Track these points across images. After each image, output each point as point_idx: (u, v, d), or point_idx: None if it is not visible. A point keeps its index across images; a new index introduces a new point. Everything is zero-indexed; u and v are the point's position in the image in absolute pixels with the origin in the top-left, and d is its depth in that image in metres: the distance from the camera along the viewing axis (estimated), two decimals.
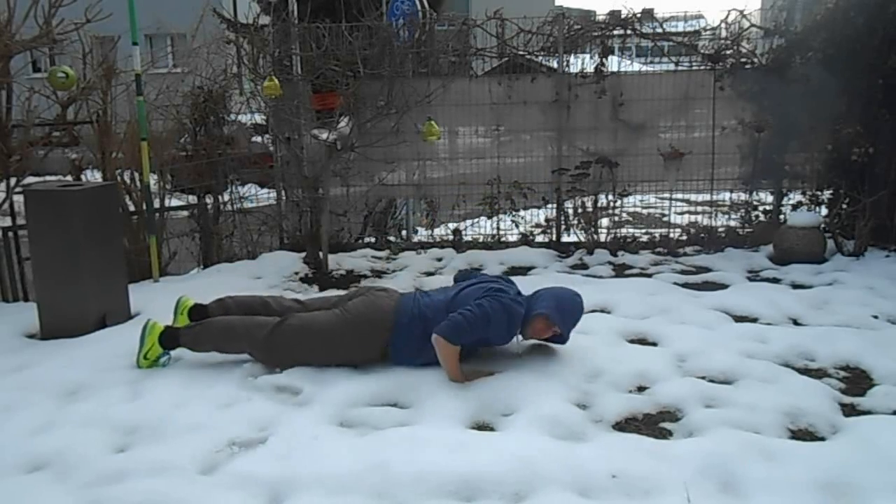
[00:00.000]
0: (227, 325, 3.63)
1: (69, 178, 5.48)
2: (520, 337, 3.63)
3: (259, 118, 6.93)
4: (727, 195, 6.50)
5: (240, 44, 6.25)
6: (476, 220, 6.69)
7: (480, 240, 6.55)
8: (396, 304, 3.58)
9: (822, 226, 5.82)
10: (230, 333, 3.60)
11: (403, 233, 7.00)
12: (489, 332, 3.44)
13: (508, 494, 2.51)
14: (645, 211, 8.20)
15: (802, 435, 2.94)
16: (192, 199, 6.11)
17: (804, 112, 5.88)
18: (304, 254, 5.95)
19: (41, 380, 3.48)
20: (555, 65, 6.35)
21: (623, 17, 6.29)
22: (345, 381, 3.38)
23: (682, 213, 7.14)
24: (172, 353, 3.70)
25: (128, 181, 5.61)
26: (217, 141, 6.14)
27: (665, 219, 7.27)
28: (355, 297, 3.68)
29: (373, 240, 6.72)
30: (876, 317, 4.34)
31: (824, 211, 6.09)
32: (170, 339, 3.64)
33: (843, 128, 5.63)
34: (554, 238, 6.50)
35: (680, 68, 6.29)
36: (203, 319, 3.73)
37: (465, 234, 6.61)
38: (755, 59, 6.15)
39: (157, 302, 4.50)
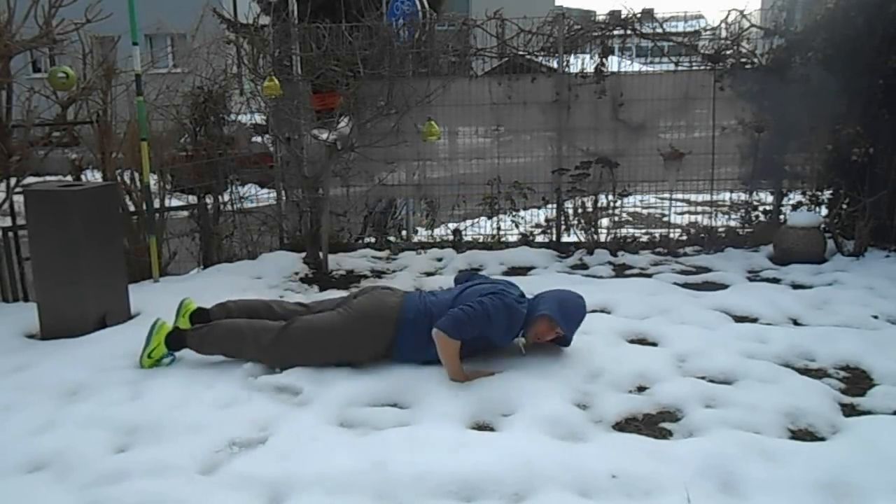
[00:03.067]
0: (234, 329, 3.62)
1: (69, 178, 5.48)
2: (522, 339, 3.63)
3: (259, 118, 6.93)
4: (727, 195, 6.50)
5: (240, 44, 6.24)
6: (476, 220, 6.69)
7: (480, 240, 6.55)
8: (402, 301, 3.59)
9: (822, 226, 5.82)
10: (237, 337, 3.59)
11: (403, 233, 7.00)
12: (490, 329, 3.45)
13: (508, 494, 2.51)
14: (645, 211, 8.20)
15: (802, 435, 2.94)
16: (192, 199, 6.11)
17: (804, 112, 5.88)
18: (304, 254, 5.96)
19: (41, 380, 3.48)
20: (555, 65, 6.35)
21: (623, 17, 6.29)
22: (345, 381, 3.38)
23: (682, 213, 7.14)
24: (176, 353, 3.70)
25: (128, 181, 5.61)
26: (217, 141, 6.14)
27: (665, 219, 7.27)
28: (360, 296, 3.70)
29: (373, 240, 6.72)
30: (876, 317, 4.34)
31: (824, 211, 6.09)
32: (176, 340, 3.64)
33: (843, 128, 5.63)
34: (554, 238, 6.50)
35: (680, 68, 6.29)
36: (206, 323, 3.74)
37: (465, 234, 6.61)
38: (755, 60, 6.15)
39: (157, 302, 4.49)
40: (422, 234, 6.80)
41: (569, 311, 3.58)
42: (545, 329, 3.56)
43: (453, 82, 6.25)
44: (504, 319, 3.45)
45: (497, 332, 3.50)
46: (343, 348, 3.54)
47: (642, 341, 4.01)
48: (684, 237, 6.42)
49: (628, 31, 6.33)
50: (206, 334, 3.65)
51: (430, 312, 3.49)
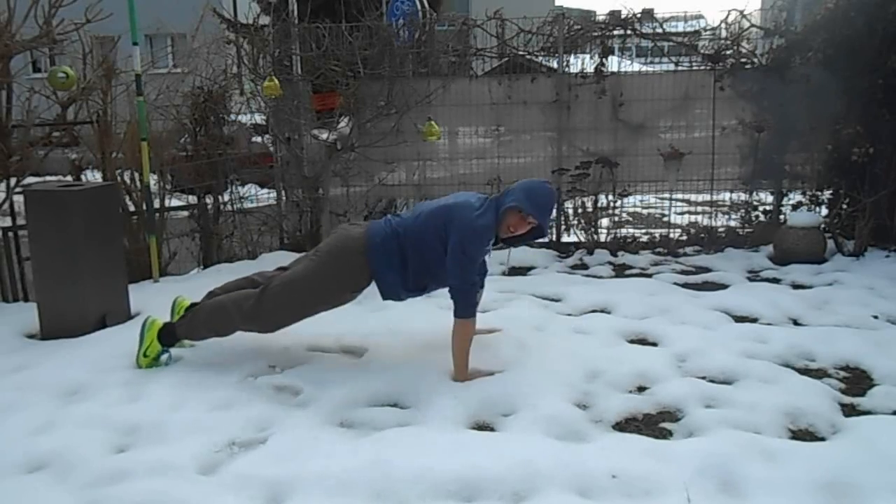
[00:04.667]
0: (216, 305, 3.63)
1: (69, 178, 5.48)
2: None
3: (259, 118, 6.93)
4: (727, 195, 6.50)
5: (240, 44, 6.25)
6: None
7: None
8: (366, 229, 3.60)
9: (822, 226, 5.82)
10: (221, 312, 3.59)
11: None
12: (478, 262, 3.49)
13: (508, 494, 2.51)
14: (645, 211, 8.20)
15: (802, 435, 2.94)
16: (192, 199, 6.11)
17: (804, 112, 5.88)
18: (304, 254, 5.95)
19: (41, 380, 3.48)
20: (555, 65, 6.35)
21: (623, 17, 6.30)
22: (345, 381, 3.38)
23: (682, 213, 7.14)
24: (173, 353, 3.69)
25: (128, 181, 5.61)
26: (217, 141, 6.14)
27: (665, 219, 7.26)
28: (326, 239, 3.71)
29: None
30: (876, 317, 4.34)
31: (824, 211, 6.10)
32: (168, 334, 3.64)
33: (843, 128, 5.63)
34: (554, 238, 6.50)
35: (680, 68, 6.30)
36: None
37: None
38: (755, 60, 6.15)
39: (157, 302, 4.48)
40: None
41: (537, 198, 3.47)
42: (516, 221, 3.47)
43: (453, 82, 6.25)
44: (485, 244, 3.46)
45: (482, 254, 3.52)
46: (323, 291, 3.53)
47: (642, 341, 4.01)
48: (684, 237, 6.42)
49: (628, 31, 6.33)
50: (192, 319, 3.64)
51: (397, 233, 3.51)
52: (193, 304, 3.83)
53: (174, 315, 3.82)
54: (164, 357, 3.66)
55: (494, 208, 3.48)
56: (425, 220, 3.50)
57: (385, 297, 3.60)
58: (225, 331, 3.64)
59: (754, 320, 4.36)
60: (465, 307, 3.42)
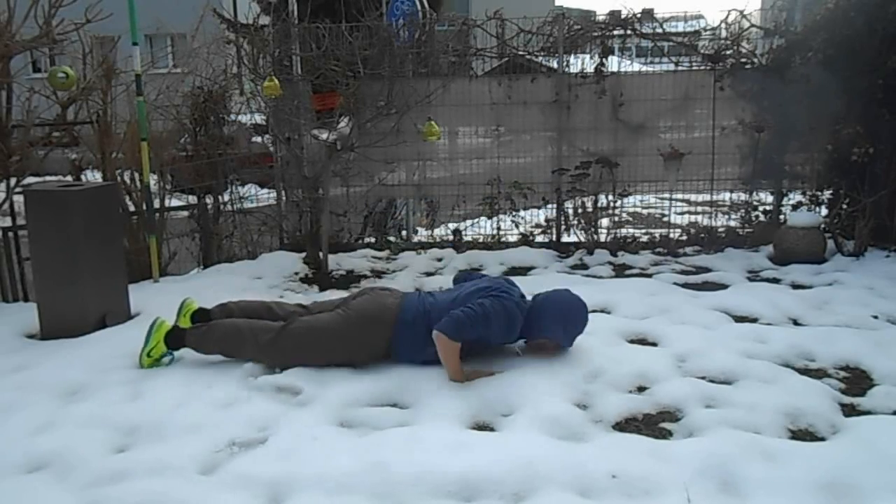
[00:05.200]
0: (233, 328, 3.63)
1: (69, 178, 5.48)
2: (522, 343, 3.67)
3: (259, 118, 6.93)
4: (727, 195, 6.50)
5: (240, 44, 6.25)
6: (476, 220, 6.70)
7: (480, 240, 6.55)
8: (400, 302, 3.60)
9: (822, 226, 5.82)
10: (236, 336, 3.60)
11: (403, 233, 7.00)
12: (489, 330, 3.45)
13: (508, 494, 2.51)
14: (645, 211, 8.20)
15: (802, 435, 2.94)
16: (192, 199, 6.11)
17: (804, 112, 5.89)
18: (304, 254, 5.96)
19: (41, 380, 3.48)
20: (555, 65, 6.35)
21: (623, 17, 6.30)
22: (345, 381, 3.38)
23: (682, 213, 7.14)
24: (176, 353, 3.70)
25: (128, 181, 5.61)
26: (217, 141, 6.14)
27: (665, 219, 7.27)
28: (359, 297, 3.70)
29: (373, 240, 6.72)
30: (876, 317, 4.34)
31: (824, 211, 6.10)
32: (175, 338, 3.65)
33: (843, 128, 5.63)
34: (554, 238, 6.51)
35: (680, 68, 6.30)
36: (205, 322, 3.74)
37: (465, 235, 6.61)
38: (755, 60, 6.16)
39: (157, 302, 4.49)
40: (422, 234, 6.80)
41: (573, 329, 3.65)
42: (548, 346, 3.65)
43: (453, 82, 6.25)
44: (503, 322, 3.46)
45: (495, 334, 3.51)
46: (341, 349, 3.54)
47: (642, 341, 4.01)
48: (684, 237, 6.42)
49: (628, 31, 6.33)
50: (205, 333, 3.65)
51: (429, 314, 3.50)
52: (202, 310, 3.84)
53: (180, 316, 3.83)
54: (167, 358, 3.66)
55: (528, 312, 3.56)
56: (464, 300, 3.49)
57: (400, 362, 3.59)
58: (234, 354, 3.64)
59: (754, 320, 4.36)
60: (452, 329, 3.34)
